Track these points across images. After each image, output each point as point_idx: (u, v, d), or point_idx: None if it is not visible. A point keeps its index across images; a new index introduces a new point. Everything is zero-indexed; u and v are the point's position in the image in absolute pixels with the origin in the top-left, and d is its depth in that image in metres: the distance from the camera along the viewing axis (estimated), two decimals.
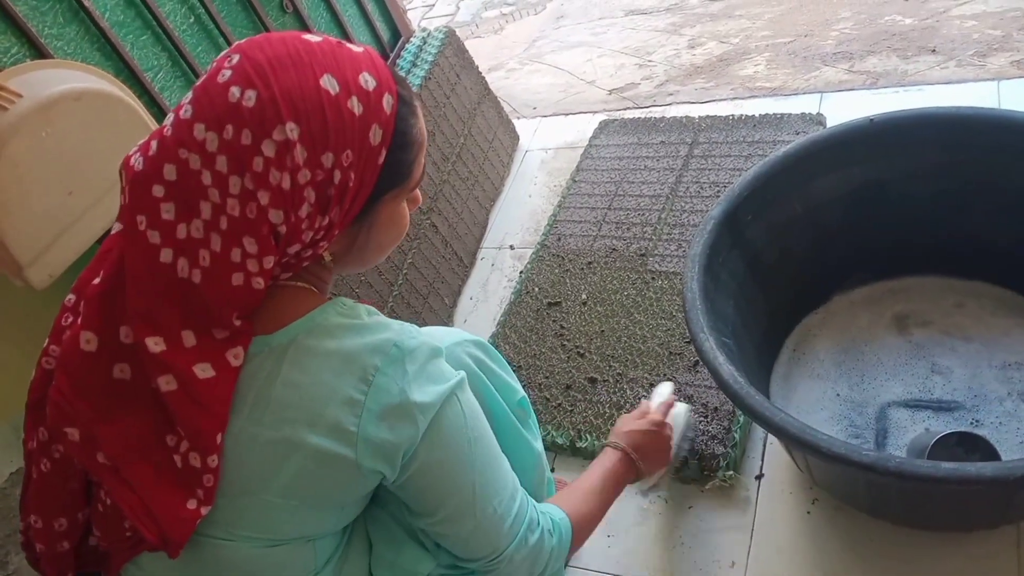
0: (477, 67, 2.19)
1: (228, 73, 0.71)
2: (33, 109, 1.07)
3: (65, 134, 1.11)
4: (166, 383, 0.72)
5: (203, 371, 0.73)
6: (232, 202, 0.70)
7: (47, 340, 0.83)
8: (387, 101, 0.76)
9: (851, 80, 2.15)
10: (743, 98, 2.23)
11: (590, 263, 1.85)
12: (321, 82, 0.72)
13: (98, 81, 1.19)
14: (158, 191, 0.71)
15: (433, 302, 1.88)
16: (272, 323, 0.78)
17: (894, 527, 1.20)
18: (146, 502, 0.75)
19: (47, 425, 0.80)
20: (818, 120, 1.97)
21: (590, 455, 1.48)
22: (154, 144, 0.73)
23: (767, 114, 2.05)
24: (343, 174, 0.74)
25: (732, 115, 2.10)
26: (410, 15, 2.19)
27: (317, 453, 0.76)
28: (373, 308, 0.84)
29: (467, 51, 2.15)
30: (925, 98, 1.96)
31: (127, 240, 0.73)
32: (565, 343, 1.70)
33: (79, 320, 0.76)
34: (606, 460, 1.15)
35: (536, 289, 1.85)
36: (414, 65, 1.98)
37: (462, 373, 0.86)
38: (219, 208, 0.71)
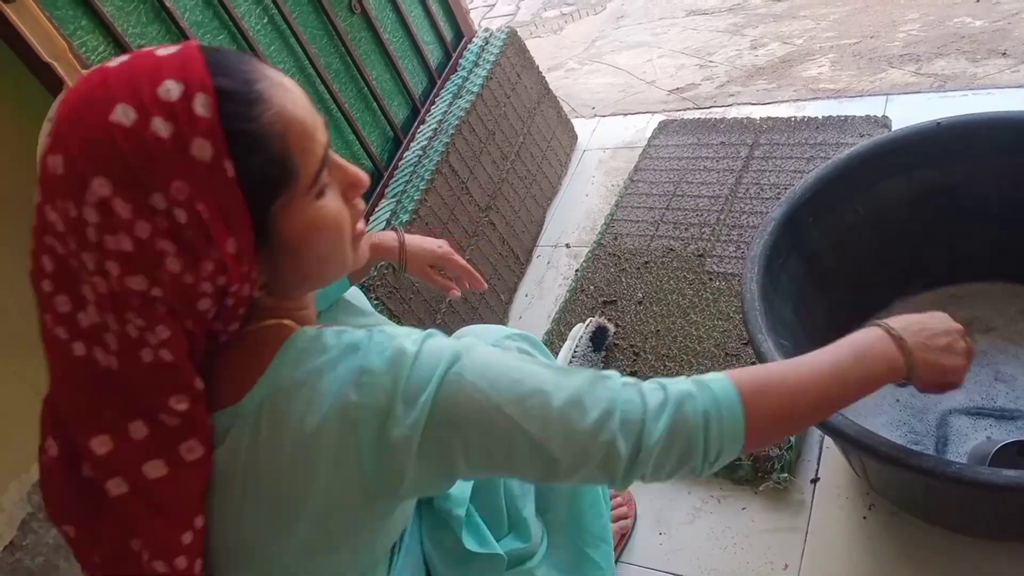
0: (537, 67, 2.21)
1: (47, 141, 0.63)
2: None
3: None
4: (116, 486, 0.66)
5: (154, 470, 0.66)
6: (98, 280, 0.63)
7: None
8: (200, 103, 0.61)
9: (918, 83, 2.11)
10: (806, 100, 2.21)
11: (647, 263, 1.86)
12: (112, 117, 0.60)
13: None
14: (47, 286, 0.66)
15: (489, 298, 1.90)
16: (236, 389, 0.70)
17: (951, 535, 1.19)
18: None
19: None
20: (883, 123, 1.95)
21: None
22: (33, 236, 0.66)
23: (830, 116, 2.03)
24: (187, 210, 0.62)
25: (794, 117, 2.08)
26: (471, 15, 2.22)
27: (326, 506, 0.70)
28: (342, 327, 0.74)
29: (528, 51, 2.17)
30: (994, 102, 1.92)
31: (45, 344, 0.68)
32: (620, 342, 1.71)
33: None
34: (848, 337, 0.84)
35: (592, 287, 1.87)
36: (476, 64, 2.01)
37: (452, 346, 0.73)
38: (95, 287, 0.64)
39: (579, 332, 1.66)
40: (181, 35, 1.35)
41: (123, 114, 0.60)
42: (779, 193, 1.87)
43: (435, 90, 1.99)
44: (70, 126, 0.62)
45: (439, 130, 1.85)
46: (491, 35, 2.10)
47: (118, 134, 0.60)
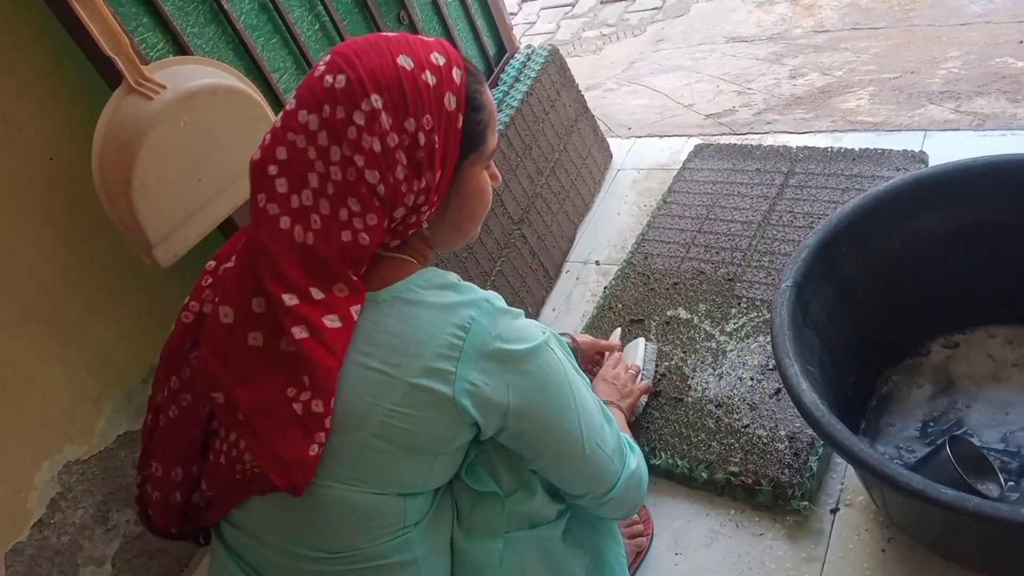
0: (577, 85, 2.24)
1: (322, 68, 0.86)
2: (175, 100, 1.17)
3: (200, 124, 1.20)
4: (300, 332, 0.82)
5: (331, 322, 0.84)
6: (334, 168, 0.83)
7: (188, 297, 0.96)
8: (456, 73, 0.88)
9: (957, 120, 2.11)
10: (843, 131, 2.22)
11: (676, 284, 1.87)
12: (398, 61, 0.85)
13: (231, 78, 1.28)
14: (272, 170, 0.85)
15: None
16: (378, 284, 0.90)
17: (970, 574, 1.18)
18: (275, 452, 0.83)
19: (195, 391, 0.93)
20: (920, 158, 1.94)
21: (663, 472, 1.50)
22: (268, 136, 0.87)
23: (867, 149, 2.03)
24: (427, 137, 0.85)
25: (831, 147, 2.09)
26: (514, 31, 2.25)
27: (415, 391, 0.86)
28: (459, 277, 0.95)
29: (568, 69, 2.19)
30: None
31: (253, 217, 0.86)
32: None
33: (216, 297, 0.89)
34: None
35: (620, 305, 1.88)
36: (517, 80, 2.04)
37: (551, 329, 0.97)
38: (324, 176, 0.83)
39: (640, 346, 1.69)
40: (236, 36, 1.39)
41: (405, 61, 0.85)
42: (812, 222, 1.88)
43: None
44: (357, 58, 0.84)
45: None
46: (533, 52, 2.13)
47: (402, 72, 0.84)
